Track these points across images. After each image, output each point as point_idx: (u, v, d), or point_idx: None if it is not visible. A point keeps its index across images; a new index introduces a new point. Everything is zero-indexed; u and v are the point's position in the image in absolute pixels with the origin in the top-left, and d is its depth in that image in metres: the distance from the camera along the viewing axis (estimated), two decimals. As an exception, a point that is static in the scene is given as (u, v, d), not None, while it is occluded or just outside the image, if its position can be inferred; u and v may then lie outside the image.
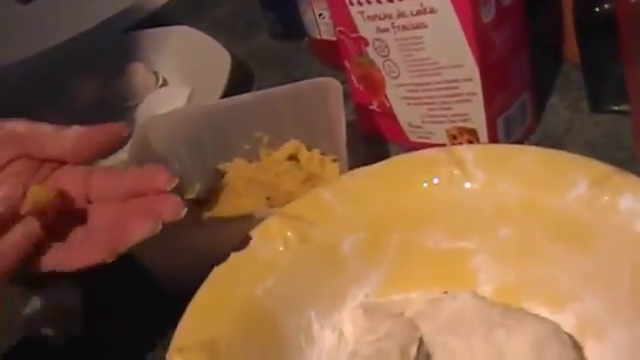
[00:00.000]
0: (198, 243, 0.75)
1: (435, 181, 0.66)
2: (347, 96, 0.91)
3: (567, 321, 0.63)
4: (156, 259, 0.79)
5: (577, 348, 0.61)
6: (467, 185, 0.66)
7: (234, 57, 1.11)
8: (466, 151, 0.67)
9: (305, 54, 1.15)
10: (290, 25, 1.16)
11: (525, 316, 0.63)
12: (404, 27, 0.80)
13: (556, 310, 0.64)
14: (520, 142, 0.86)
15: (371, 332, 0.63)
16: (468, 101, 0.81)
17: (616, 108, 0.86)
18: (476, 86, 0.80)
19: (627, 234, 0.59)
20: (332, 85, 0.84)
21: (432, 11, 0.77)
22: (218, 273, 0.64)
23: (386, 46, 0.83)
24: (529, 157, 0.65)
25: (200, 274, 0.64)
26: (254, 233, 0.66)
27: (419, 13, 0.77)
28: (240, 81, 1.10)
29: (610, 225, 0.60)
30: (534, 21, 0.88)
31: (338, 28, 0.88)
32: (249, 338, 0.62)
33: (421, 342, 0.62)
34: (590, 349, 0.62)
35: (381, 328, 0.63)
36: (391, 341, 0.61)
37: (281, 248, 0.65)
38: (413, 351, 0.61)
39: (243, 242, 0.65)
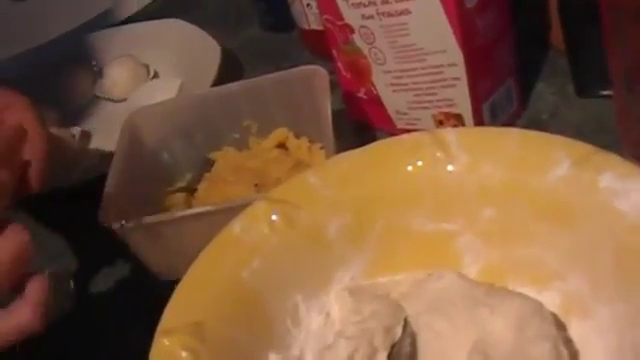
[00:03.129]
0: (187, 230, 0.75)
1: (419, 164, 0.67)
2: (335, 85, 0.92)
3: (552, 300, 0.64)
4: (146, 246, 0.80)
5: (560, 326, 0.62)
6: (450, 167, 0.66)
7: (225, 49, 1.11)
8: (449, 134, 0.67)
9: (295, 45, 1.16)
10: (280, 16, 1.17)
11: (508, 295, 0.63)
12: (388, 14, 0.80)
13: (541, 289, 0.64)
14: (506, 126, 0.86)
15: (356, 313, 0.64)
16: (453, 86, 0.82)
17: (602, 93, 0.86)
18: (460, 71, 0.80)
19: (608, 212, 0.59)
20: (319, 73, 0.85)
21: (415, -3, 0.77)
22: (204, 256, 0.64)
23: (371, 33, 0.83)
24: (511, 139, 0.65)
25: (190, 259, 0.65)
26: (240, 217, 0.66)
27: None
28: (231, 73, 1.11)
29: (591, 204, 0.60)
30: (520, 8, 0.89)
31: (324, 16, 0.88)
32: (235, 320, 0.62)
33: (406, 323, 0.63)
34: (574, 327, 0.63)
35: (366, 309, 0.64)
36: (376, 322, 0.62)
37: (266, 231, 0.65)
38: (398, 331, 0.62)
39: (229, 226, 0.66)
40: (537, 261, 0.65)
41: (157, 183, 0.91)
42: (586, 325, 0.62)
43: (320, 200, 0.67)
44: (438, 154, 0.66)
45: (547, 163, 0.63)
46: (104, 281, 0.88)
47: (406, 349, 0.62)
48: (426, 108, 0.86)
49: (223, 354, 0.60)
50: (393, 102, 0.89)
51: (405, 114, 0.88)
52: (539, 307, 0.61)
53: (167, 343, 0.59)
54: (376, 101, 0.90)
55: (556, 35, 0.93)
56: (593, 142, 0.63)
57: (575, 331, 0.62)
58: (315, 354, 0.64)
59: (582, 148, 0.62)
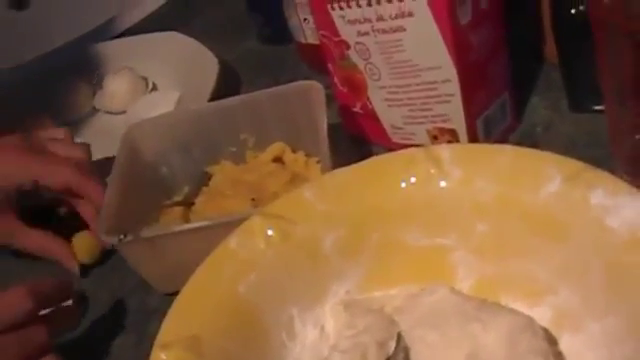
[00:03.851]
0: (185, 244, 0.76)
1: (412, 180, 0.68)
2: (332, 99, 0.93)
3: (543, 315, 0.64)
4: (145, 260, 0.81)
5: (552, 341, 0.63)
6: (444, 183, 0.67)
7: (223, 62, 1.12)
8: (443, 150, 0.68)
9: (292, 58, 1.16)
10: (278, 29, 1.18)
11: (500, 310, 0.64)
12: (383, 31, 0.81)
13: (533, 304, 0.65)
14: (500, 141, 0.87)
15: (351, 327, 0.65)
16: (447, 102, 0.83)
17: (595, 107, 0.87)
18: (454, 87, 0.81)
19: (598, 229, 0.60)
20: (315, 88, 0.85)
21: (410, 14, 0.78)
22: (201, 271, 0.65)
23: (367, 49, 0.84)
24: (504, 155, 0.66)
25: (187, 273, 0.65)
26: (236, 232, 0.67)
27: (397, 17, 0.79)
28: (229, 86, 1.12)
29: (582, 220, 0.61)
30: (514, 23, 0.89)
31: (321, 32, 0.89)
32: (232, 334, 0.63)
33: (399, 337, 0.64)
34: (565, 342, 0.63)
35: (360, 323, 0.65)
36: (369, 336, 0.62)
37: (262, 246, 0.66)
38: (391, 346, 0.62)
39: (225, 241, 0.67)
40: (529, 276, 0.65)
41: (155, 196, 0.91)
42: (577, 340, 0.62)
43: (315, 215, 0.68)
44: (432, 170, 0.67)
45: (539, 180, 0.63)
46: (101, 294, 0.89)
47: None
48: (421, 123, 0.87)
49: (219, 368, 0.61)
50: (388, 117, 0.89)
51: (400, 129, 0.89)
52: (530, 322, 0.62)
53: (164, 357, 0.60)
54: (372, 116, 0.91)
55: (550, 49, 0.94)
56: (586, 156, 0.64)
57: (566, 345, 0.63)
58: None
59: (573, 165, 0.63)
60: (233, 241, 0.66)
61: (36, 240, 0.90)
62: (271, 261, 0.66)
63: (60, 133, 0.96)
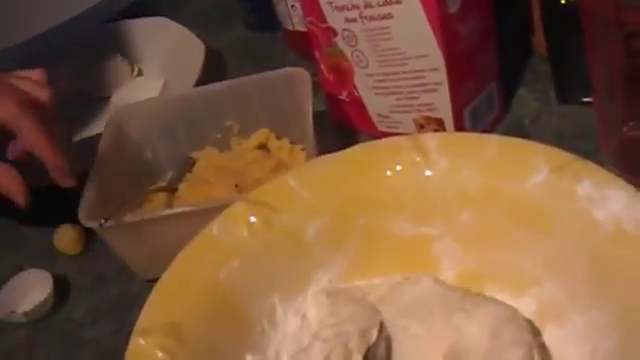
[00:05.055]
0: (168, 229, 0.75)
1: (398, 168, 0.67)
2: (318, 86, 0.92)
3: (527, 306, 0.64)
4: (127, 245, 0.80)
5: (535, 332, 0.62)
6: (429, 172, 0.66)
7: (210, 49, 1.12)
8: (429, 139, 0.68)
9: (280, 46, 1.16)
10: (265, 16, 1.17)
11: (484, 300, 0.64)
12: (371, 17, 0.80)
13: (517, 295, 0.65)
14: (487, 132, 0.87)
15: (333, 316, 0.64)
16: (434, 91, 0.82)
17: (583, 99, 0.87)
18: (442, 76, 0.81)
19: (585, 220, 0.59)
20: (301, 75, 0.85)
21: (398, 2, 0.77)
22: (183, 257, 0.65)
23: (354, 36, 0.83)
24: (491, 145, 0.66)
25: (170, 259, 0.65)
26: (219, 218, 0.66)
27: (385, 4, 0.78)
28: (215, 73, 1.11)
29: (569, 211, 0.60)
30: (503, 13, 0.89)
31: (308, 19, 0.88)
32: (212, 321, 0.63)
33: (382, 326, 0.63)
34: (549, 334, 0.63)
35: (342, 312, 0.64)
36: (351, 325, 0.62)
37: (245, 233, 0.66)
38: (373, 334, 0.62)
39: (208, 227, 0.66)
40: (514, 267, 0.65)
41: (139, 182, 0.90)
42: (561, 332, 0.62)
43: (299, 203, 0.67)
44: (417, 159, 0.67)
45: (525, 170, 0.63)
46: (84, 279, 0.88)
47: (381, 352, 0.62)
48: (407, 112, 0.86)
49: (199, 355, 0.61)
50: (375, 105, 0.89)
51: (387, 117, 0.89)
52: (514, 313, 0.62)
53: (143, 343, 0.59)
54: (358, 104, 0.90)
55: (539, 41, 0.94)
56: (573, 148, 0.63)
57: (550, 337, 0.63)
58: (290, 356, 0.64)
59: (561, 155, 0.63)
60: (215, 227, 0.66)
61: None
62: (253, 248, 0.66)
63: (36, 74, 0.84)
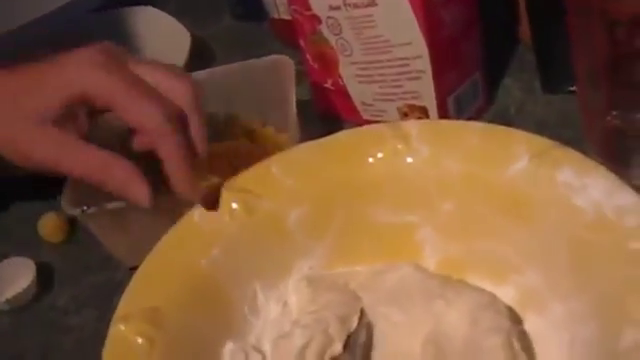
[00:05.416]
0: (150, 217, 0.75)
1: (379, 156, 0.67)
2: (304, 76, 0.92)
3: (508, 294, 0.64)
4: (110, 233, 0.80)
5: (516, 320, 0.62)
6: (410, 160, 0.66)
7: (196, 37, 1.11)
8: (411, 126, 0.68)
9: (266, 36, 1.15)
10: (251, 5, 1.17)
11: (464, 287, 0.64)
12: (355, 5, 0.80)
13: (498, 283, 0.65)
14: (472, 120, 0.87)
15: (313, 303, 0.64)
16: (418, 79, 0.82)
17: (568, 89, 0.87)
18: (425, 64, 0.81)
19: (565, 208, 0.59)
20: (285, 62, 0.85)
21: (382, -11, 0.78)
22: (164, 244, 0.65)
23: (338, 24, 0.83)
24: (472, 132, 0.66)
25: (153, 246, 0.65)
26: (200, 205, 0.66)
27: (369, -9, 0.78)
28: (202, 62, 1.10)
29: (549, 199, 0.61)
30: (489, 3, 0.89)
31: (292, 7, 0.88)
32: (193, 307, 0.63)
33: (362, 313, 0.63)
34: (530, 322, 0.63)
35: (323, 299, 0.64)
36: (331, 311, 0.62)
37: (226, 220, 0.66)
38: (354, 321, 0.62)
39: (189, 214, 0.66)
40: (495, 255, 0.65)
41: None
42: (541, 320, 0.62)
43: (281, 189, 0.67)
44: (399, 146, 0.67)
45: (506, 157, 0.63)
46: (67, 267, 0.88)
47: (362, 339, 0.62)
48: (391, 100, 0.86)
49: (179, 341, 0.61)
50: (359, 93, 0.89)
51: (371, 105, 0.88)
52: (493, 300, 0.62)
53: (123, 329, 0.59)
54: (342, 92, 0.90)
55: (525, 30, 0.94)
56: (557, 137, 0.63)
57: (530, 325, 0.63)
58: (271, 343, 0.64)
59: (542, 142, 0.63)
60: (197, 214, 0.66)
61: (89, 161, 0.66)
62: (235, 235, 0.66)
63: (182, 82, 0.69)
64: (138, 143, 0.68)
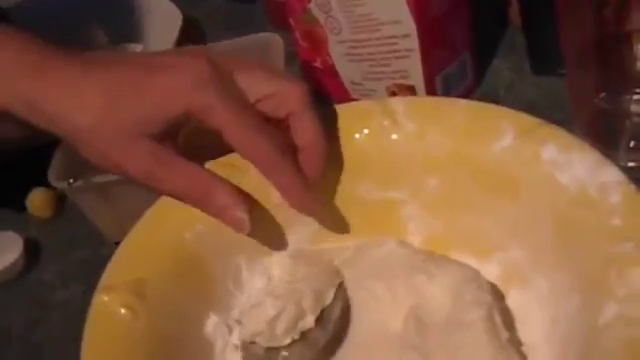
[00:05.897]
0: (137, 191, 0.75)
1: (365, 132, 0.67)
2: (294, 56, 0.92)
3: (492, 271, 0.65)
4: (97, 207, 0.80)
5: (499, 296, 0.63)
6: (396, 136, 0.67)
7: (189, 17, 1.11)
8: (398, 103, 0.68)
9: (260, 15, 1.15)
10: (244, -14, 1.17)
11: (447, 262, 0.64)
12: (344, -18, 0.81)
13: (482, 260, 0.65)
14: (458, 99, 0.87)
15: (291, 275, 0.64)
16: (406, 57, 0.82)
17: (557, 71, 0.87)
18: (414, 42, 0.81)
19: (549, 184, 0.60)
20: (274, 40, 0.85)
21: (371, -34, 0.78)
22: (149, 217, 0.65)
23: (328, 2, 0.83)
24: (459, 109, 0.66)
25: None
26: None
27: (358, -32, 0.78)
28: (193, 42, 1.10)
29: (533, 175, 0.61)
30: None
31: (282, -15, 0.88)
32: (177, 280, 0.63)
33: (340, 289, 0.63)
34: (513, 298, 0.64)
35: (300, 271, 0.64)
36: (307, 284, 0.62)
37: (212, 193, 0.65)
38: (329, 296, 0.62)
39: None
40: (479, 232, 0.66)
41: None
42: (524, 296, 0.63)
43: (267, 164, 0.67)
44: (385, 122, 0.67)
45: (492, 134, 0.63)
46: (55, 242, 0.88)
47: (335, 315, 0.62)
48: (380, 79, 0.86)
49: (162, 312, 0.61)
50: (348, 72, 0.89)
51: (360, 85, 0.88)
52: (476, 275, 0.62)
53: (106, 299, 0.59)
54: (332, 71, 0.90)
55: (515, 12, 0.94)
56: (546, 119, 0.63)
57: (513, 302, 0.63)
58: (242, 311, 0.65)
59: (527, 120, 0.63)
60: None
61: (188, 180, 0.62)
62: (220, 208, 0.65)
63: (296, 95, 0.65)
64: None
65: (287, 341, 0.60)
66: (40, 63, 0.62)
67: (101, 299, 0.60)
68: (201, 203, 0.62)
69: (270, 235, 0.68)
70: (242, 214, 0.61)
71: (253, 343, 0.60)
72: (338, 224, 0.69)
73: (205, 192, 0.61)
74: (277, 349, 0.60)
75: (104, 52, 0.71)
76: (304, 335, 0.61)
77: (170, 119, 0.61)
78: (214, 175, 0.63)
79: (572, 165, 0.59)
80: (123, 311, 0.59)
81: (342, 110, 0.70)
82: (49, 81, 0.61)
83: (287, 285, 0.62)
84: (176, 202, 0.64)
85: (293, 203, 0.63)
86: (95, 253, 0.85)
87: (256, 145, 0.61)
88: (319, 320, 0.61)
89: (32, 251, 0.87)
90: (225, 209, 0.61)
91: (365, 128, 0.67)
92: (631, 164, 0.74)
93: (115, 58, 0.64)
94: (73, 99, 0.60)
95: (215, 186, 0.62)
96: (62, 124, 0.61)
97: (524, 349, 0.60)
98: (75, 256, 0.86)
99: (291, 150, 0.64)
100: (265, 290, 0.65)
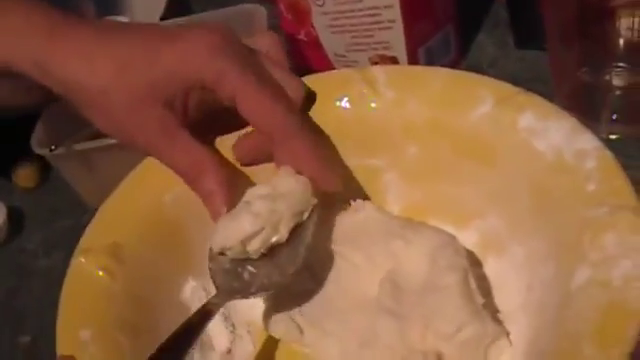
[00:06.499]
0: (119, 158, 0.75)
1: (345, 100, 0.67)
2: (279, 29, 0.92)
3: (470, 238, 0.65)
4: (79, 174, 0.80)
5: (476, 263, 0.63)
6: (375, 104, 0.67)
7: (174, -9, 1.11)
8: (378, 71, 0.68)
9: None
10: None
11: (424, 228, 0.64)
12: (328, -47, 0.81)
13: (460, 227, 0.66)
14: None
15: (268, 186, 0.60)
16: (389, 28, 0.82)
17: (541, 45, 0.87)
18: (396, 13, 0.81)
19: (526, 152, 0.60)
20: (258, 11, 0.85)
21: None
22: (128, 181, 0.65)
23: (311, -28, 0.84)
24: (439, 77, 0.66)
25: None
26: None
27: (341, -63, 0.78)
28: (179, 13, 1.10)
29: (511, 143, 0.61)
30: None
31: (268, -44, 0.88)
32: (155, 243, 0.63)
33: (314, 212, 0.61)
34: (490, 265, 0.64)
35: (280, 186, 0.60)
36: (286, 203, 0.59)
37: (191, 158, 0.66)
38: (304, 216, 0.60)
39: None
40: (458, 200, 0.66)
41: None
42: (501, 263, 0.63)
43: (247, 131, 0.67)
44: (364, 90, 0.67)
45: (470, 102, 0.64)
46: (38, 211, 0.89)
47: (307, 239, 0.60)
48: (363, 50, 0.86)
49: (140, 275, 0.61)
50: (332, 44, 0.89)
51: (343, 56, 0.89)
52: (452, 240, 0.62)
53: (83, 261, 0.60)
54: (316, 43, 0.90)
55: (499, -14, 0.94)
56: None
57: (490, 268, 0.64)
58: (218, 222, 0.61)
59: (506, 88, 0.64)
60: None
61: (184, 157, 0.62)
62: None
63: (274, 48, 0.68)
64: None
65: (256, 256, 0.58)
66: (51, 26, 0.61)
67: (79, 261, 0.60)
68: (192, 183, 0.61)
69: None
70: (221, 206, 0.60)
71: (222, 254, 0.59)
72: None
73: (198, 173, 0.61)
74: (243, 262, 0.59)
75: (119, 21, 0.70)
76: (274, 257, 0.59)
77: (183, 85, 0.60)
78: (212, 157, 0.61)
79: (549, 132, 0.59)
80: (100, 273, 0.60)
81: (322, 78, 0.70)
82: (58, 44, 0.60)
83: (265, 201, 0.59)
84: (156, 167, 0.64)
85: (311, 173, 0.60)
86: (77, 222, 0.84)
87: (273, 113, 0.59)
88: (290, 241, 0.59)
89: (16, 220, 0.88)
90: (210, 195, 0.60)
91: (345, 95, 0.67)
92: (612, 136, 0.74)
93: (131, 26, 0.65)
94: (83, 62, 0.60)
95: (208, 170, 0.61)
96: (72, 87, 0.61)
97: (500, 316, 0.61)
98: (58, 225, 0.86)
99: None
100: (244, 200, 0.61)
